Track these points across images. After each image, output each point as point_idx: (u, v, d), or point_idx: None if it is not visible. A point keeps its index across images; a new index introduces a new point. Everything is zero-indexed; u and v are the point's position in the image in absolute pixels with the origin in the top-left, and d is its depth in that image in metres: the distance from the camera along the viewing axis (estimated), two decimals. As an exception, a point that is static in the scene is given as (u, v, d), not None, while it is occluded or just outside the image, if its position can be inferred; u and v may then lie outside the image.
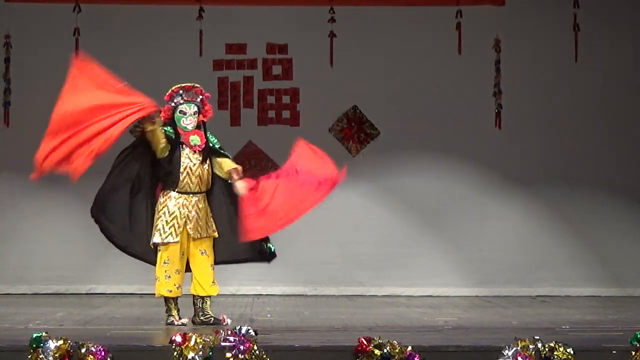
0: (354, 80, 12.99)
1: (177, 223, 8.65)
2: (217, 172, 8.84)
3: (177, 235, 8.63)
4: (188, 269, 8.85)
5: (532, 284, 12.97)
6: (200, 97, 8.86)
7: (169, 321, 8.74)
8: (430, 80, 13.01)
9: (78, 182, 12.55)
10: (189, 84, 8.87)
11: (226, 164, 8.83)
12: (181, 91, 8.83)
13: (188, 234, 8.70)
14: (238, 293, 12.63)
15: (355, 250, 12.93)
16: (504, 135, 13.03)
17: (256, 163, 12.96)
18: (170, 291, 8.71)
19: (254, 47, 13.00)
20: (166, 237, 8.64)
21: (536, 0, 13.07)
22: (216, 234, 8.79)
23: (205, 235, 8.74)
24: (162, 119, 8.75)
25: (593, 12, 12.96)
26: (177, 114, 8.77)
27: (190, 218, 8.67)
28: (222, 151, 8.90)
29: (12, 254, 12.76)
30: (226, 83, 12.96)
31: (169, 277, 8.69)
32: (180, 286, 8.73)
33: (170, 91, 8.85)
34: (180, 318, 8.76)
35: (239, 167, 8.82)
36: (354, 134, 13.08)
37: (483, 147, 13.02)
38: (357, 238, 12.94)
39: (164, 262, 8.67)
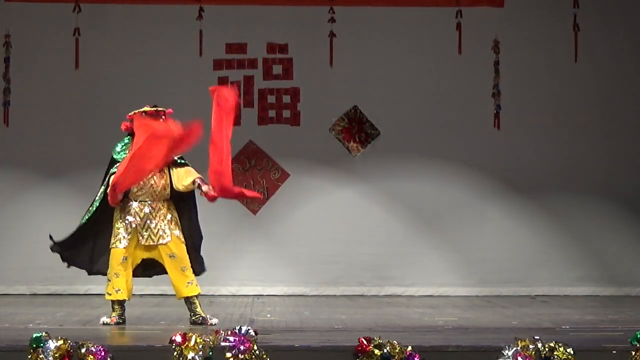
0: (354, 80, 12.99)
1: (126, 230, 8.86)
2: (174, 183, 8.96)
3: (121, 242, 8.84)
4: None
5: (532, 284, 12.97)
6: (162, 117, 8.92)
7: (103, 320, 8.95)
8: (430, 81, 13.01)
9: (77, 182, 12.64)
10: (153, 109, 8.92)
11: (185, 174, 8.94)
12: (143, 114, 8.91)
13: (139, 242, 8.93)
14: (238, 293, 12.64)
15: (356, 250, 12.92)
16: (503, 136, 13.03)
17: (256, 162, 12.98)
18: (109, 294, 8.94)
19: (254, 47, 13.00)
20: (113, 244, 8.88)
21: (535, 1, 13.06)
22: (168, 241, 8.89)
23: (158, 243, 8.87)
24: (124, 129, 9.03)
25: (593, 12, 12.96)
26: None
27: (143, 226, 8.85)
28: (180, 161, 8.99)
29: (11, 255, 12.75)
30: (226, 83, 12.95)
31: (109, 280, 8.93)
32: (120, 290, 8.88)
33: (132, 113, 8.96)
34: (117, 319, 8.88)
35: (199, 180, 8.90)
36: (354, 134, 13.08)
37: (482, 147, 13.02)
38: (357, 238, 12.94)
39: (110, 266, 8.91)
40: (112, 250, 8.88)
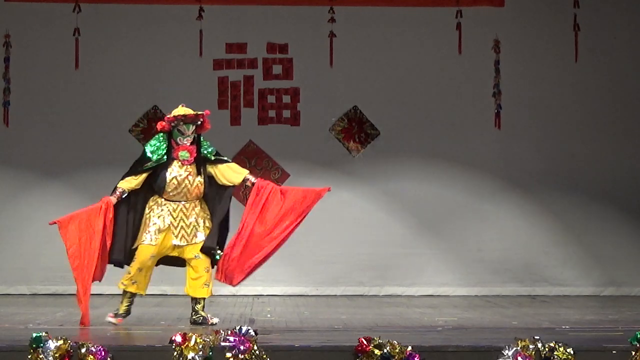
0: (354, 80, 13.00)
1: (159, 229, 8.83)
2: (218, 180, 8.97)
3: (153, 239, 8.81)
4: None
5: (532, 284, 12.98)
6: (200, 120, 8.90)
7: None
8: (430, 81, 13.01)
9: (78, 182, 12.63)
10: (193, 114, 8.87)
11: (230, 171, 8.99)
12: (182, 119, 8.86)
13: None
14: (238, 293, 12.61)
15: (356, 250, 12.92)
16: (504, 136, 13.03)
17: (256, 162, 12.97)
18: (125, 284, 8.90)
19: (254, 47, 13.00)
20: (145, 239, 8.83)
21: (535, 1, 13.06)
22: (197, 244, 8.88)
23: (189, 243, 8.86)
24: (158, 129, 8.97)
25: (593, 12, 12.96)
26: (175, 131, 8.90)
27: (176, 226, 8.83)
28: (220, 157, 9.01)
29: (11, 255, 12.75)
30: (226, 82, 12.96)
31: (129, 273, 8.88)
32: (136, 282, 8.86)
33: (172, 116, 8.87)
34: (117, 315, 8.90)
35: (251, 178, 9.06)
36: (354, 134, 13.08)
37: (483, 147, 13.02)
38: (357, 238, 12.94)
39: (135, 259, 8.85)
40: (141, 246, 8.82)
